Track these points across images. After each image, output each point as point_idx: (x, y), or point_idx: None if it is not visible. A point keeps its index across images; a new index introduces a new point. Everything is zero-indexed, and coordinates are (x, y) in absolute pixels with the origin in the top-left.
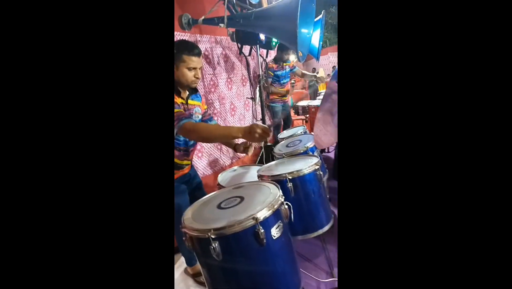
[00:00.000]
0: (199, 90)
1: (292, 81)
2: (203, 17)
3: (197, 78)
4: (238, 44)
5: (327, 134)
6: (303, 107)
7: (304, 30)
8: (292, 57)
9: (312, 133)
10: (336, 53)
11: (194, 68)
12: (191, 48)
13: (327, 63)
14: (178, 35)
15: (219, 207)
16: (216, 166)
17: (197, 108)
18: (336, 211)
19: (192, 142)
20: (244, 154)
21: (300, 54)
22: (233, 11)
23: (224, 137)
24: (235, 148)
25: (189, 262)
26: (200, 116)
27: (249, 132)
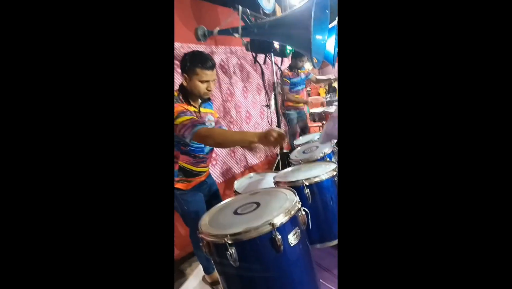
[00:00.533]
0: (215, 99)
1: (308, 89)
2: (218, 28)
3: (209, 90)
4: (253, 53)
5: (332, 132)
6: (319, 114)
7: (318, 37)
8: (307, 65)
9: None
10: None
11: (207, 81)
12: (205, 61)
13: None
14: (194, 47)
15: (235, 213)
16: (228, 174)
17: (210, 115)
18: None
19: (208, 148)
20: (257, 161)
21: (315, 60)
22: (247, 21)
23: (240, 142)
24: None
25: (207, 270)
26: (213, 124)
27: (264, 136)
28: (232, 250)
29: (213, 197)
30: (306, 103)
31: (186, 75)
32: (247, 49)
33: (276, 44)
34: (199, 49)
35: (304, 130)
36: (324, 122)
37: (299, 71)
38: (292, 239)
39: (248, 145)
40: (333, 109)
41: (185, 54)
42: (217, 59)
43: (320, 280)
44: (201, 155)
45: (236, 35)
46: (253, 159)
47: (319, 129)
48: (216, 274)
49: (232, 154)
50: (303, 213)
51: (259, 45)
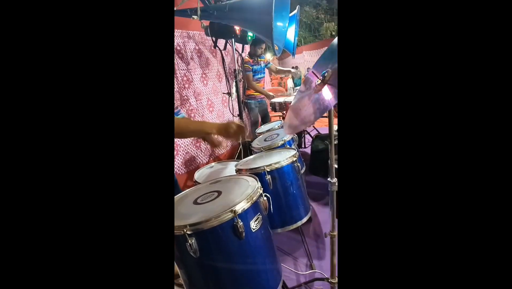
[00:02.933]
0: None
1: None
2: (175, 9)
3: None
4: (213, 37)
5: (292, 126)
6: (280, 104)
7: (279, 24)
8: (268, 55)
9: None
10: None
11: None
12: None
13: (302, 61)
14: None
15: (195, 202)
16: (192, 165)
17: None
18: (314, 205)
19: None
20: (223, 150)
21: (276, 47)
22: (207, 2)
23: (198, 132)
24: (205, 139)
25: None
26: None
27: (224, 129)
28: (192, 241)
29: None
30: (268, 96)
31: None
32: (206, 34)
33: (237, 30)
34: None
35: (265, 119)
36: (284, 112)
37: (258, 59)
38: (254, 225)
39: (206, 136)
40: (292, 98)
41: None
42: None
43: (282, 264)
44: None
45: (195, 17)
46: (219, 149)
47: (280, 119)
48: (176, 268)
49: (197, 144)
50: (265, 198)
51: (219, 29)
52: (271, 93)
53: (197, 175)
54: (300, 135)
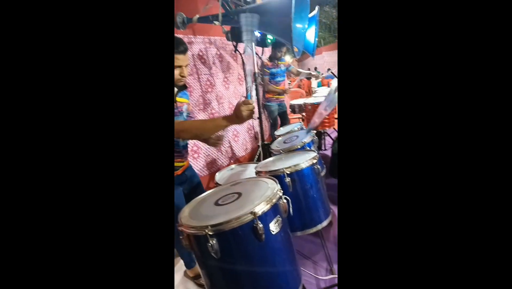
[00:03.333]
0: (194, 91)
1: (288, 82)
2: (197, 16)
3: (183, 76)
4: (233, 42)
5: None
6: (299, 106)
7: (298, 25)
8: (288, 58)
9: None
10: (331, 52)
11: (180, 66)
12: (176, 46)
13: (322, 62)
14: None
15: (216, 204)
16: (213, 167)
17: (186, 105)
18: (334, 209)
19: (183, 143)
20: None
21: (295, 49)
22: (228, 8)
23: (214, 129)
24: (207, 141)
25: (188, 265)
26: (187, 114)
27: (236, 115)
28: (213, 241)
29: (194, 190)
30: (284, 92)
31: None
32: (227, 38)
33: (257, 33)
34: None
35: (284, 122)
36: (304, 114)
37: (278, 62)
38: (274, 227)
39: (223, 128)
40: (312, 100)
41: None
42: (195, 49)
43: (301, 267)
44: (176, 150)
45: (216, 22)
46: (240, 151)
47: (299, 121)
48: (197, 267)
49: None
50: (284, 201)
51: (239, 34)
52: (285, 88)
53: (218, 177)
54: (320, 137)
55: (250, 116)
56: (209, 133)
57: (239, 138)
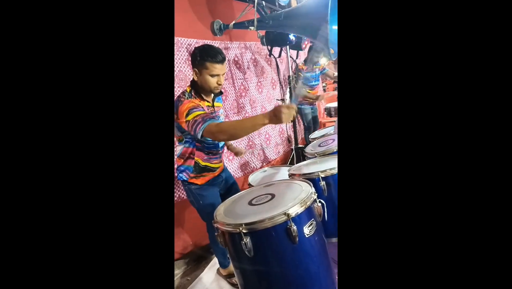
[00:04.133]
0: (229, 95)
1: (324, 84)
2: (233, 22)
3: (220, 84)
4: (268, 46)
5: None
6: (335, 108)
7: (335, 27)
8: (323, 60)
9: None
10: None
11: (217, 75)
12: (214, 55)
13: None
14: (210, 42)
15: (250, 203)
16: (246, 169)
17: (221, 109)
18: None
19: (222, 144)
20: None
21: (332, 51)
22: (263, 13)
23: (252, 127)
24: (229, 147)
25: (222, 265)
26: (223, 117)
27: (274, 114)
28: (247, 240)
29: (230, 190)
30: (316, 99)
31: (196, 70)
32: (262, 43)
33: (292, 37)
34: (213, 44)
35: (315, 126)
36: None
37: (313, 66)
38: (308, 230)
39: (229, 146)
40: None
41: (195, 49)
42: (231, 54)
43: (337, 276)
44: (214, 151)
45: (252, 28)
46: (272, 154)
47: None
48: (231, 267)
49: (251, 149)
50: (319, 204)
51: (274, 38)
52: (323, 95)
53: (251, 179)
54: None
55: (289, 119)
56: (247, 132)
57: (270, 141)
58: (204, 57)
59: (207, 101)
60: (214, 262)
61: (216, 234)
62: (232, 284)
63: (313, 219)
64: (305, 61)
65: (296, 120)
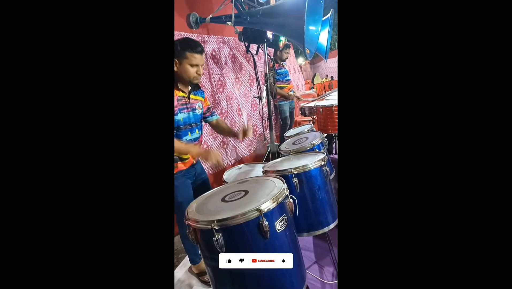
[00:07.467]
0: (206, 89)
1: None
2: (210, 16)
3: (199, 74)
4: (246, 43)
5: None
6: (310, 108)
7: (312, 28)
8: (300, 60)
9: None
10: None
11: (197, 65)
12: (194, 46)
13: (335, 66)
14: (186, 35)
15: (223, 200)
16: (218, 166)
17: (199, 103)
18: None
19: (195, 136)
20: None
21: (307, 51)
22: (241, 9)
23: (184, 152)
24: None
25: (193, 261)
26: (201, 111)
27: (205, 157)
28: (219, 236)
29: (202, 186)
30: (289, 97)
31: (176, 60)
32: (239, 39)
33: (270, 34)
34: (190, 37)
35: (291, 120)
36: (314, 117)
37: (282, 63)
38: (279, 226)
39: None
40: (324, 103)
41: (176, 41)
42: (209, 48)
43: (307, 270)
44: (187, 142)
45: (229, 23)
46: (244, 151)
47: (309, 123)
48: (202, 264)
49: (224, 146)
50: (291, 200)
51: (252, 35)
52: (288, 93)
53: (226, 175)
54: (331, 140)
55: (213, 166)
56: (179, 152)
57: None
58: (184, 47)
59: (182, 91)
60: (185, 261)
61: (187, 231)
62: (203, 282)
63: (284, 214)
64: (274, 59)
65: (273, 117)
